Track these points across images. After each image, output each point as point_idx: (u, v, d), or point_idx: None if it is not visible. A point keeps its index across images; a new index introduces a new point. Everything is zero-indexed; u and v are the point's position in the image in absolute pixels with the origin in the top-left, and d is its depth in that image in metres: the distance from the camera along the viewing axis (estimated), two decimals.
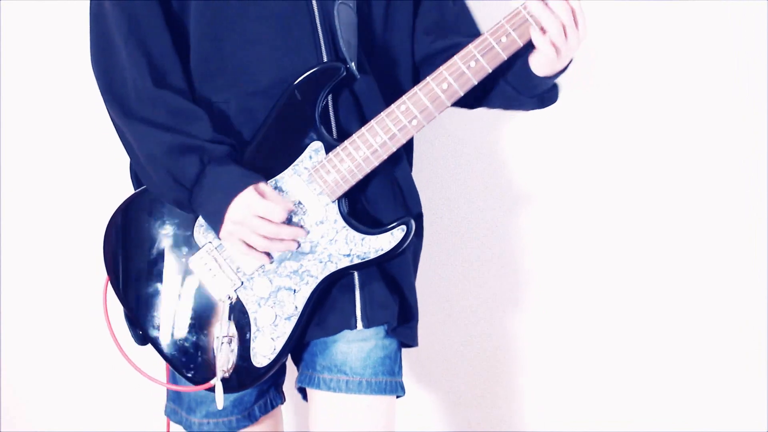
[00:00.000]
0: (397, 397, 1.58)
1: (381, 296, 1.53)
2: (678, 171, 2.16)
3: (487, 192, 2.21)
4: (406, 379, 1.63)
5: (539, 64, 1.46)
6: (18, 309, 2.35)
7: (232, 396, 1.56)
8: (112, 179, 2.25)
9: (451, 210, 2.21)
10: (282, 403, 1.68)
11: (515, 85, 1.53)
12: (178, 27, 1.52)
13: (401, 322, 1.57)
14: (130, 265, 1.54)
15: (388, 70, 1.61)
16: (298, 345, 1.55)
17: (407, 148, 1.64)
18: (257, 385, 1.57)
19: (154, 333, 1.52)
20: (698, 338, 2.21)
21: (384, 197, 1.55)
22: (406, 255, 1.56)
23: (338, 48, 1.49)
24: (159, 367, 1.59)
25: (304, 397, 1.61)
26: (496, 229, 2.23)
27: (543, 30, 1.40)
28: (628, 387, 2.25)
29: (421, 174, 1.75)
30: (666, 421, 2.24)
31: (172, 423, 1.65)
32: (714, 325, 2.20)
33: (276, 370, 1.52)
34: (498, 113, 1.74)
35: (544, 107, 1.58)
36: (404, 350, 1.62)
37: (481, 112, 1.71)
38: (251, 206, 1.41)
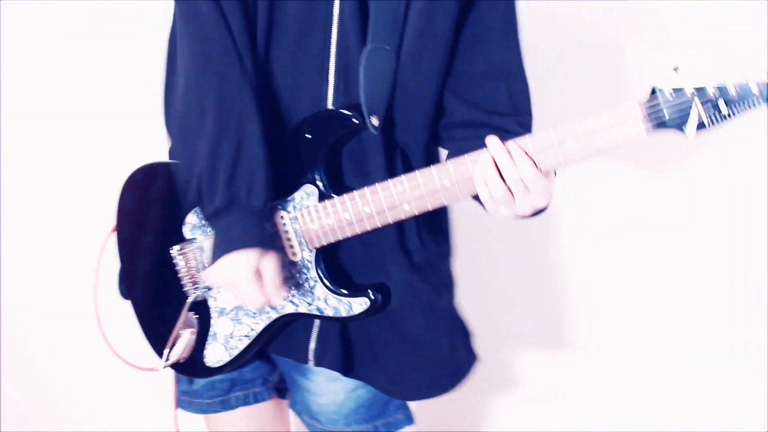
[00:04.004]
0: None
1: (334, 339, 1.50)
2: (676, 170, 2.15)
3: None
4: None
5: (488, 209, 1.36)
6: (18, 309, 2.36)
7: (202, 381, 1.60)
8: (108, 178, 2.27)
9: None
10: (271, 398, 1.68)
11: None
12: None
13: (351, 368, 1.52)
14: (128, 226, 1.54)
15: (406, 124, 1.46)
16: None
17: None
18: (232, 376, 1.60)
19: (133, 295, 1.55)
20: (698, 338, 2.21)
21: (361, 257, 1.48)
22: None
23: (356, 96, 1.38)
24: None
25: None
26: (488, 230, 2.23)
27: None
28: (628, 387, 2.25)
29: None
30: (666, 421, 2.25)
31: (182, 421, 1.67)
32: (714, 325, 2.20)
33: (234, 369, 1.54)
34: None
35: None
36: None
37: None
38: (244, 274, 1.36)
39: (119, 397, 2.35)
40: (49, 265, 2.32)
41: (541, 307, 2.26)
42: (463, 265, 2.25)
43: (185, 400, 1.64)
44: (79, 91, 2.25)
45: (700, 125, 1.22)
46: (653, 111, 1.23)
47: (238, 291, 1.39)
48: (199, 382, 1.61)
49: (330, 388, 1.54)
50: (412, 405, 1.61)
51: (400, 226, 1.45)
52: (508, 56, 1.46)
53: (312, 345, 1.51)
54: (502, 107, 1.45)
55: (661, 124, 1.23)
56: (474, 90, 1.46)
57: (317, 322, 1.50)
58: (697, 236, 2.17)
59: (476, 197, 1.35)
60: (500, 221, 2.19)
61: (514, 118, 1.45)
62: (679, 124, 1.22)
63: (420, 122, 1.46)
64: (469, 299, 2.27)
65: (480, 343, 2.28)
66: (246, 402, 1.64)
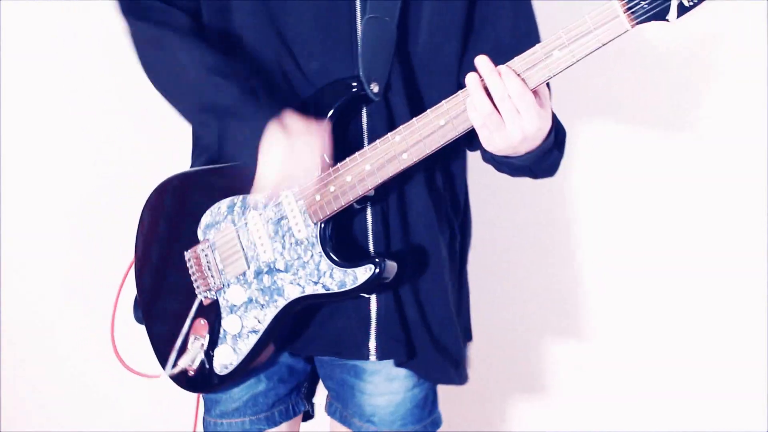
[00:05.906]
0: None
1: (396, 328, 1.46)
2: (677, 170, 2.16)
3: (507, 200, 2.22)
4: None
5: (483, 141, 1.34)
6: (18, 309, 2.35)
7: (246, 396, 1.55)
8: (108, 179, 2.26)
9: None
10: (304, 411, 1.64)
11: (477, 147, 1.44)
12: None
13: (427, 356, 1.48)
14: (144, 246, 1.54)
15: (425, 93, 1.46)
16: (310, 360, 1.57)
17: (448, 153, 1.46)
18: (275, 389, 1.56)
19: (146, 316, 1.54)
20: (698, 338, 2.21)
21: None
22: (440, 283, 1.48)
23: (357, 65, 1.39)
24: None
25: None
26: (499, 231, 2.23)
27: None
28: (628, 387, 2.25)
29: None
30: (666, 421, 2.24)
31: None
32: (714, 325, 2.20)
33: (237, 381, 1.51)
34: None
35: (536, 178, 1.48)
36: None
37: None
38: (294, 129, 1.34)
39: (119, 398, 2.35)
40: (49, 264, 2.32)
41: (542, 308, 2.26)
42: (479, 266, 2.26)
43: (223, 423, 1.57)
44: (80, 90, 2.25)
45: (681, 8, 1.19)
46: (633, 5, 1.21)
47: (297, 152, 1.33)
48: (241, 399, 1.54)
49: (388, 388, 1.50)
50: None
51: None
52: (521, 35, 1.46)
53: (372, 341, 1.45)
54: None
55: (642, 16, 1.21)
56: None
57: (374, 316, 1.45)
58: (698, 236, 2.17)
59: (469, 137, 1.35)
60: (519, 222, 2.20)
61: None
62: (661, 12, 1.20)
63: (438, 94, 1.41)
64: (485, 300, 2.28)
65: (496, 344, 2.29)
66: (287, 416, 1.59)
